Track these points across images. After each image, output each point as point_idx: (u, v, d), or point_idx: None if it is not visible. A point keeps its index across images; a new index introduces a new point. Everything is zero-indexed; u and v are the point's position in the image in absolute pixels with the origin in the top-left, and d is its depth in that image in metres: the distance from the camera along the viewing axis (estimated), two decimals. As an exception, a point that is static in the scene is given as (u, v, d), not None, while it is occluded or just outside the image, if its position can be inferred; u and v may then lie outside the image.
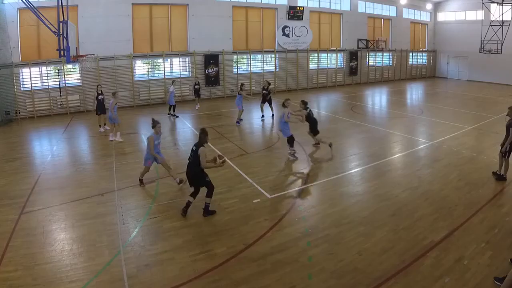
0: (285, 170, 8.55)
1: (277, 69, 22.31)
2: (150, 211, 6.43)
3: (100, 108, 12.37)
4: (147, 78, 18.27)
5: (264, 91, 14.28)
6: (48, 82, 15.80)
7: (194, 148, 6.11)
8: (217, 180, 7.77)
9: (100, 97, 12.32)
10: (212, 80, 19.59)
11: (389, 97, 21.19)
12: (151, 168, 7.61)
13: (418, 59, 30.73)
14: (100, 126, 12.56)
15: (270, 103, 14.34)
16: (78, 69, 16.54)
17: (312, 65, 23.95)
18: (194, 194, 6.26)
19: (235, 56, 20.63)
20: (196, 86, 16.51)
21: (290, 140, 9.11)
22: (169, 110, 14.92)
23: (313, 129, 9.78)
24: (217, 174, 8.13)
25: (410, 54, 29.68)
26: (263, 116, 14.27)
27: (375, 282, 4.46)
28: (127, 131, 12.38)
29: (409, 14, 29.21)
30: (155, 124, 7.26)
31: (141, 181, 7.70)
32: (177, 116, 14.69)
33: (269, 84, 14.53)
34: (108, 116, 11.25)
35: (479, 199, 6.77)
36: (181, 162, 9.21)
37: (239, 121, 13.37)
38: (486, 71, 26.56)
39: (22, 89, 15.45)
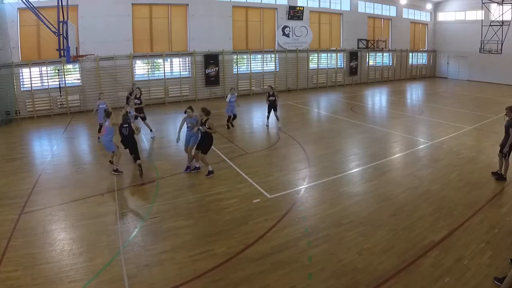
0: (285, 170, 8.54)
1: (277, 69, 22.30)
2: (150, 211, 6.44)
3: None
4: (147, 78, 18.26)
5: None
6: (48, 82, 15.78)
7: None
8: (217, 180, 7.81)
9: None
10: (212, 80, 19.61)
11: (389, 97, 21.18)
12: (151, 168, 7.65)
13: (418, 59, 30.72)
14: None
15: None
16: (78, 69, 16.53)
17: (312, 65, 23.93)
18: None
19: (235, 56, 20.62)
20: (271, 98, 12.73)
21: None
22: (232, 119, 12.93)
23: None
24: (218, 174, 8.15)
25: (410, 54, 29.66)
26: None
27: (375, 282, 4.46)
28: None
29: (409, 14, 29.20)
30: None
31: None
32: (232, 127, 12.89)
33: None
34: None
35: (479, 199, 6.77)
36: (181, 162, 9.23)
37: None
38: (486, 71, 26.55)
39: (22, 89, 15.43)
